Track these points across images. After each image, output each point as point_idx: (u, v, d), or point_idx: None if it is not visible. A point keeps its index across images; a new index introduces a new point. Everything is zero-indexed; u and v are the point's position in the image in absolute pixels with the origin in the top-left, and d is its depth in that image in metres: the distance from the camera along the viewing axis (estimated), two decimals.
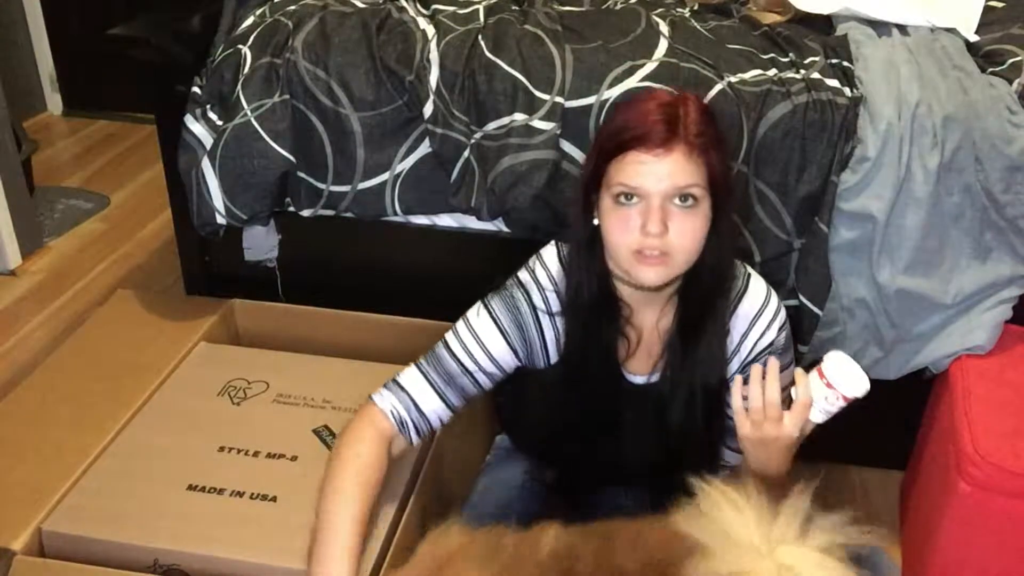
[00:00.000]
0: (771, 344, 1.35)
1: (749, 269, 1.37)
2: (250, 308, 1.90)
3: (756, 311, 1.34)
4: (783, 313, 1.36)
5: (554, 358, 1.36)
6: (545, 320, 1.34)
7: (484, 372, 1.35)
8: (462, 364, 1.34)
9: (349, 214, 1.85)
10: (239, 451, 1.49)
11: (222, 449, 1.50)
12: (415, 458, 1.46)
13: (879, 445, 2.00)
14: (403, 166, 1.79)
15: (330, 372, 1.69)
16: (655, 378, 1.36)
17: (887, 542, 1.82)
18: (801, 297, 1.72)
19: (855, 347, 1.75)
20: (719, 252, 1.27)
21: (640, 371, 1.37)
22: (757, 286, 1.36)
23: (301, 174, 1.82)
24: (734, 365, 1.36)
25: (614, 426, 1.40)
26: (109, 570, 1.29)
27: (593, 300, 1.30)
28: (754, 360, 1.34)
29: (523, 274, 1.36)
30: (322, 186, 1.82)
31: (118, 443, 1.51)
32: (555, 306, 1.33)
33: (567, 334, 1.34)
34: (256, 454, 1.48)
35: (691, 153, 1.18)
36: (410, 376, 1.35)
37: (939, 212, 1.64)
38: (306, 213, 1.86)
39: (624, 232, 1.21)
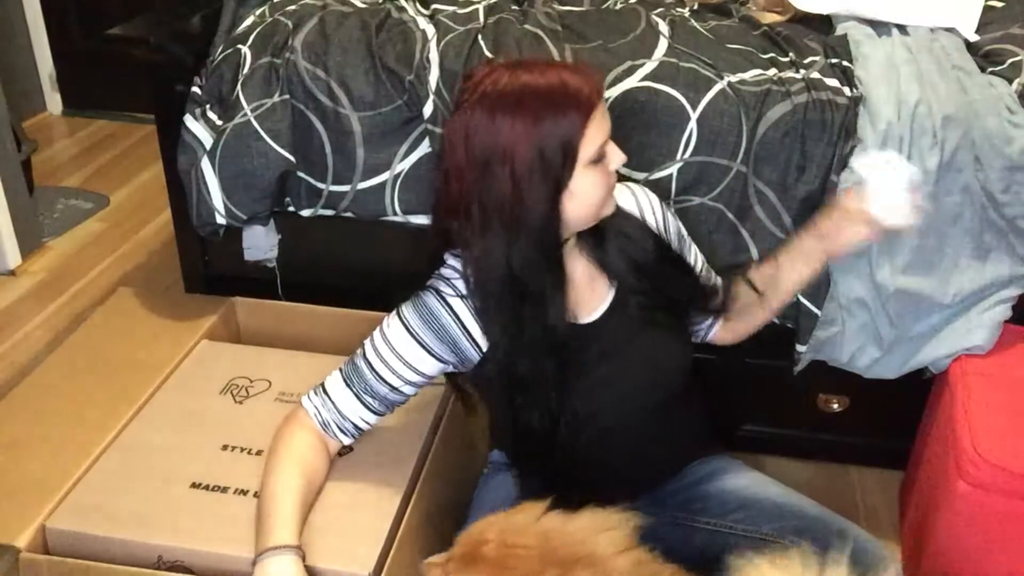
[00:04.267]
0: (670, 220, 1.48)
1: None
2: (251, 306, 1.90)
3: (633, 204, 1.44)
4: (651, 192, 1.48)
5: (484, 345, 1.33)
6: (458, 304, 1.31)
7: (407, 382, 1.35)
8: (381, 378, 1.34)
9: (349, 214, 1.85)
10: (242, 449, 1.49)
11: (225, 447, 1.50)
12: (412, 468, 1.46)
13: (879, 445, 2.00)
14: (403, 166, 1.79)
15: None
16: (607, 304, 1.38)
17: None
18: (800, 296, 1.72)
19: (854, 347, 1.75)
20: None
21: (592, 310, 1.38)
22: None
23: (301, 174, 1.82)
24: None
25: (596, 374, 1.37)
26: (113, 567, 1.29)
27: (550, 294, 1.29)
28: (678, 233, 1.49)
29: (431, 280, 1.35)
30: (322, 186, 1.82)
31: (121, 441, 1.52)
32: (463, 288, 1.31)
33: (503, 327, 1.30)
34: (259, 452, 1.48)
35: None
36: (334, 382, 1.37)
37: (938, 212, 1.64)
38: (306, 213, 1.86)
39: (607, 179, 1.27)
